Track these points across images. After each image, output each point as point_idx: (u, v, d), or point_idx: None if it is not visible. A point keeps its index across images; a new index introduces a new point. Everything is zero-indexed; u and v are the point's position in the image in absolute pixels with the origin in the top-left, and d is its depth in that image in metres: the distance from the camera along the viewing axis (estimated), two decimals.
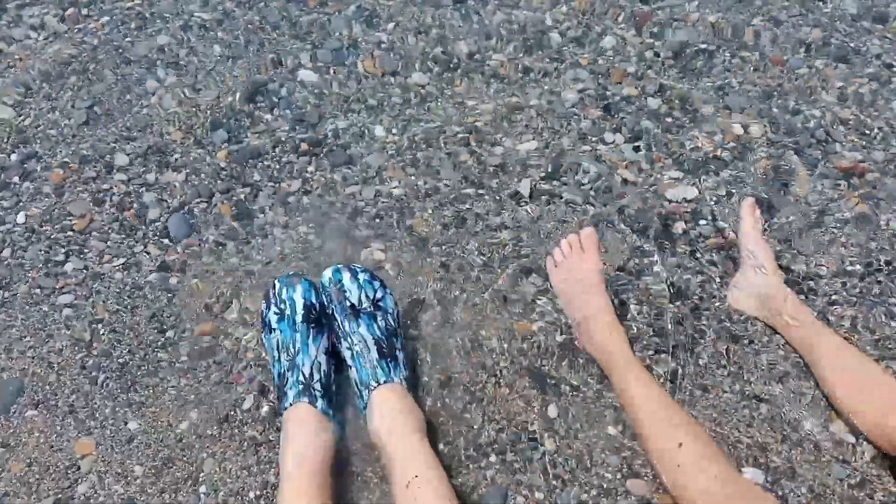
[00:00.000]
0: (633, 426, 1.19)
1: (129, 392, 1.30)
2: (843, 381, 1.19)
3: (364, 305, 1.25)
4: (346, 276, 1.26)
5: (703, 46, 1.75)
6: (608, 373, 1.25)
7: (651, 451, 1.14)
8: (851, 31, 1.78)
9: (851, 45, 1.74)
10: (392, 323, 1.26)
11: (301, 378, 1.19)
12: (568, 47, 1.76)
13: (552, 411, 1.25)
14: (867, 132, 1.59)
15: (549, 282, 1.38)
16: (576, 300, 1.33)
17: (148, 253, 1.47)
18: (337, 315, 1.24)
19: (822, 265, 1.39)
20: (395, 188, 1.53)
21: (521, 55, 1.75)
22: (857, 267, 1.39)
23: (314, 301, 1.26)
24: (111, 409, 1.29)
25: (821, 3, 1.83)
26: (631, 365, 1.22)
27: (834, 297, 1.35)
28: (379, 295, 1.27)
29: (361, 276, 1.27)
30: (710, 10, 1.82)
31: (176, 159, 1.60)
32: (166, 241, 1.48)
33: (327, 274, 1.27)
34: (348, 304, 1.24)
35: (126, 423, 1.27)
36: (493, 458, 1.21)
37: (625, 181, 1.53)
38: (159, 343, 1.36)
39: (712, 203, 1.49)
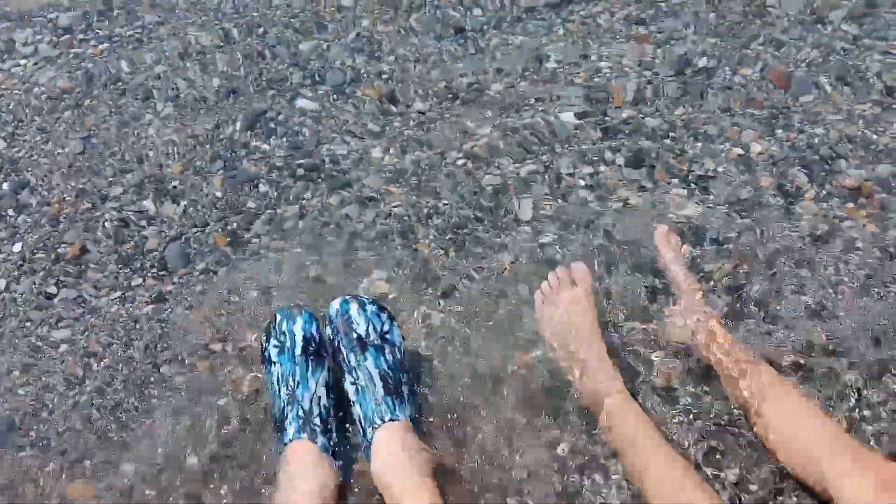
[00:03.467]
0: (630, 477, 1.12)
1: (122, 432, 1.26)
2: (777, 421, 1.10)
3: (371, 338, 1.22)
4: (354, 308, 1.24)
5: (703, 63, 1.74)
6: (600, 422, 1.16)
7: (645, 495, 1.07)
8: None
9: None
10: (399, 357, 1.23)
11: (300, 412, 1.15)
12: (564, 69, 1.75)
13: (562, 448, 1.20)
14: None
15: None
16: (566, 344, 1.22)
17: (144, 284, 1.44)
18: (343, 348, 1.21)
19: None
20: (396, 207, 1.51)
21: (518, 80, 1.74)
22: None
23: (314, 333, 1.23)
24: (105, 450, 1.25)
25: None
26: (625, 414, 1.12)
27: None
28: (386, 328, 1.24)
29: (369, 308, 1.25)
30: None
31: (174, 187, 1.58)
32: (163, 272, 1.45)
33: (335, 305, 1.24)
34: (355, 335, 1.21)
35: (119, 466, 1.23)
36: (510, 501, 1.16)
37: (626, 202, 1.51)
38: (153, 379, 1.32)
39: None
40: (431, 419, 1.24)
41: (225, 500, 1.18)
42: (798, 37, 1.78)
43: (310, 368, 1.20)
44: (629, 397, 1.15)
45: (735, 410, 1.19)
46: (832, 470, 1.00)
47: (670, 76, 1.72)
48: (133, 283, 1.44)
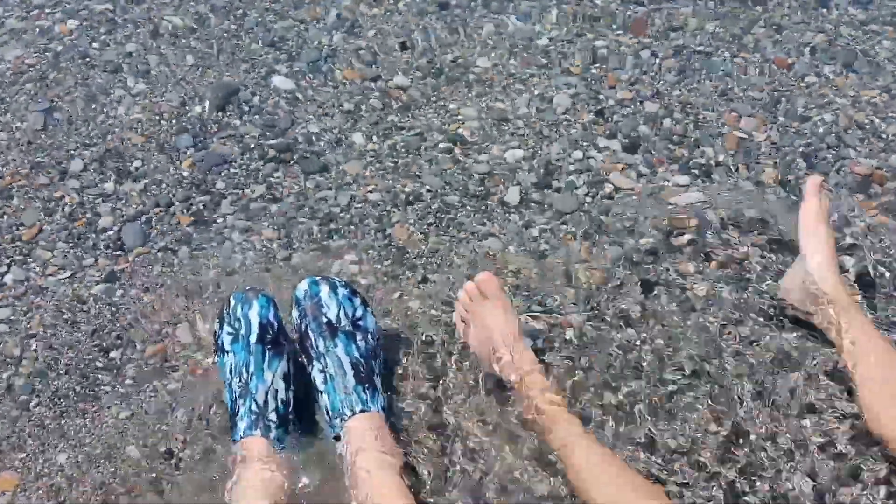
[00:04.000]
0: (575, 489, 1.02)
1: (62, 419, 1.16)
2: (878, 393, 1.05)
3: (342, 324, 1.12)
4: (325, 290, 1.13)
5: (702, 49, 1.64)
6: (540, 435, 1.07)
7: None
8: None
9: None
10: (373, 345, 1.13)
11: (254, 407, 1.05)
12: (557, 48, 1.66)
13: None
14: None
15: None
16: (489, 358, 1.12)
17: (96, 263, 1.34)
18: (311, 332, 1.11)
19: None
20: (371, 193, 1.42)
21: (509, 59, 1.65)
22: None
23: (272, 319, 1.12)
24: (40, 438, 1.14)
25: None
26: (564, 425, 1.03)
27: None
28: (359, 313, 1.14)
29: (341, 291, 1.14)
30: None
31: (137, 168, 1.48)
32: (118, 252, 1.35)
33: (303, 286, 1.14)
34: (324, 320, 1.11)
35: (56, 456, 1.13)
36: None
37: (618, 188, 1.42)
38: (101, 364, 1.22)
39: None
40: (405, 414, 1.14)
41: (172, 498, 1.08)
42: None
43: (266, 358, 1.09)
44: (568, 415, 1.05)
45: None
46: None
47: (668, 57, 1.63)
48: (84, 263, 1.35)
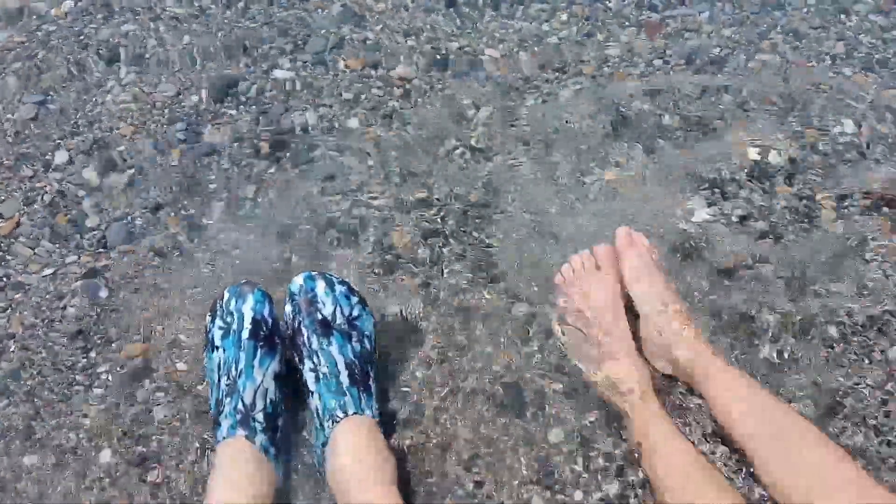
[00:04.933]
0: (651, 482, 0.97)
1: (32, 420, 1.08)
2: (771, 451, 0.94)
3: (338, 322, 1.05)
4: (321, 286, 1.06)
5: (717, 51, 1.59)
6: (625, 418, 1.02)
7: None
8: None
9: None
10: (368, 348, 1.06)
11: (240, 406, 0.97)
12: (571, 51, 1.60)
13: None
14: None
15: (555, 307, 1.14)
16: (590, 333, 1.08)
17: (78, 259, 1.26)
18: (304, 329, 1.04)
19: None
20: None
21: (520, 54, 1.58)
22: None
23: (266, 315, 1.05)
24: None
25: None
26: (650, 410, 0.99)
27: None
28: (356, 313, 1.07)
29: (338, 288, 1.07)
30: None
31: (125, 159, 1.41)
32: (101, 248, 1.28)
33: (298, 280, 1.07)
34: (319, 317, 1.04)
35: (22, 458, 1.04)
36: None
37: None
38: (78, 365, 1.14)
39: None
40: (400, 422, 1.07)
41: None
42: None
43: (257, 356, 1.02)
44: (653, 394, 1.01)
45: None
46: None
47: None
48: (67, 260, 1.27)
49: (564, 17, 1.65)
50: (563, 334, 1.12)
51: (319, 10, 1.65)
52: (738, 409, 0.98)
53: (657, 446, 0.96)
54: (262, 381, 1.00)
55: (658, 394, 1.02)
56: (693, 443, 0.99)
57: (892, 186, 1.34)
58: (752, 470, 0.97)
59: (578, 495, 1.00)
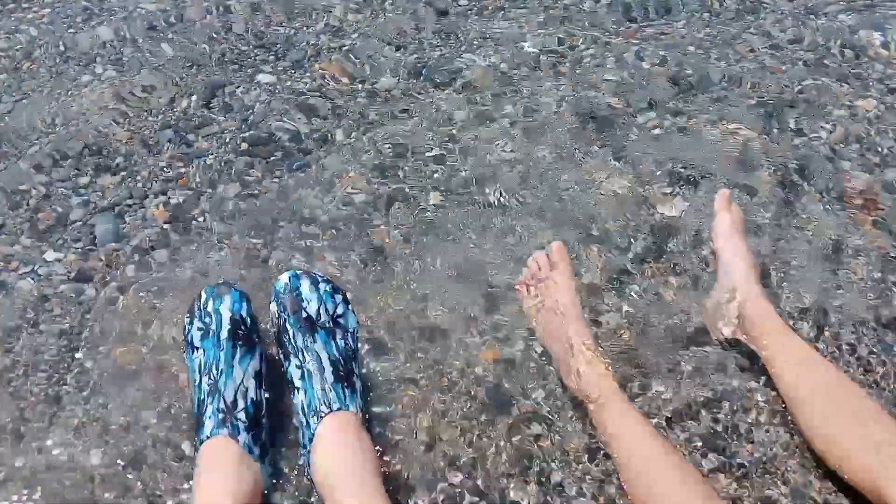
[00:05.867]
0: (618, 469, 1.01)
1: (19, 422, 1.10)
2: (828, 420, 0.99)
3: (322, 319, 1.07)
4: (306, 284, 1.09)
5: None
6: (589, 410, 1.06)
7: (635, 496, 0.96)
8: None
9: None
10: (352, 345, 1.08)
11: (222, 405, 0.99)
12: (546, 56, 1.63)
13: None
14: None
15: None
16: (552, 331, 1.12)
17: (62, 260, 1.28)
18: (289, 327, 1.06)
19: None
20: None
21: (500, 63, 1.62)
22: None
23: (244, 315, 1.07)
24: None
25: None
26: (613, 402, 1.02)
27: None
28: (340, 311, 1.10)
29: (322, 287, 1.10)
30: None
31: (118, 163, 1.42)
32: (88, 246, 1.29)
33: (283, 279, 1.10)
34: (304, 315, 1.06)
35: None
36: None
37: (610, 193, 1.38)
38: (66, 366, 1.15)
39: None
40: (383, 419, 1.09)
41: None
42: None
43: (237, 355, 1.04)
44: (618, 388, 1.04)
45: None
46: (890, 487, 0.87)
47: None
48: (48, 258, 1.28)
49: None
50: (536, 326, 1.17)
51: None
52: (793, 372, 1.02)
53: (620, 433, 0.99)
54: (242, 381, 1.02)
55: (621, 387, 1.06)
56: (655, 428, 1.02)
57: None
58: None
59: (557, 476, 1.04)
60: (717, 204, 1.18)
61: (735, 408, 1.10)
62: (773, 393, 1.09)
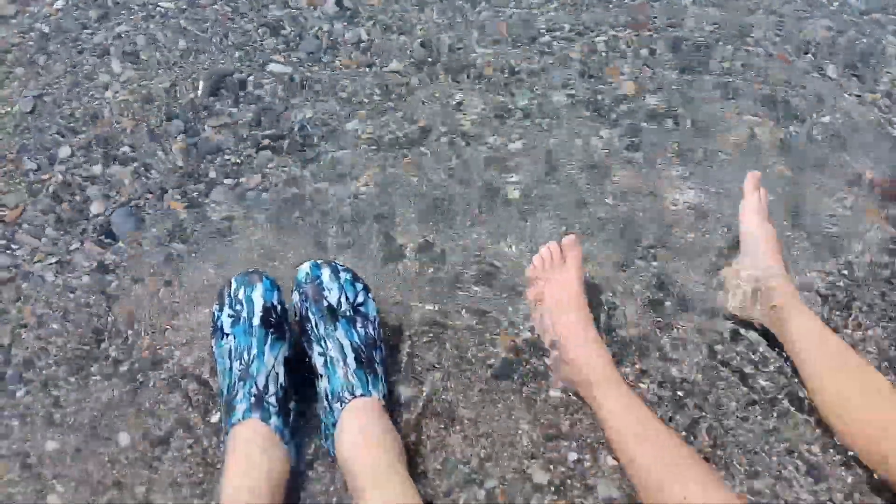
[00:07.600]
0: (615, 451, 1.03)
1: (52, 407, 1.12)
2: (839, 394, 1.03)
3: (343, 308, 1.09)
4: (326, 273, 1.11)
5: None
6: (585, 395, 1.09)
7: (634, 476, 0.99)
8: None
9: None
10: (372, 333, 1.11)
11: (254, 390, 1.02)
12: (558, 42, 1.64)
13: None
14: None
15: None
16: (551, 317, 1.14)
17: (85, 251, 1.29)
18: (311, 315, 1.08)
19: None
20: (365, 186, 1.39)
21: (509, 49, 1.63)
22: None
23: (275, 302, 1.10)
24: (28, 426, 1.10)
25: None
26: (611, 383, 1.05)
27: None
28: (361, 299, 1.12)
29: (343, 276, 1.12)
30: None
31: (125, 152, 1.43)
32: (108, 238, 1.31)
33: (304, 268, 1.12)
34: (325, 304, 1.09)
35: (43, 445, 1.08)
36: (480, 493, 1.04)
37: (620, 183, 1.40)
38: (92, 355, 1.17)
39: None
40: (405, 405, 1.12)
41: (163, 486, 1.04)
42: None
43: (268, 342, 1.06)
44: (619, 375, 1.07)
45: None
46: None
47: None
48: (72, 248, 1.30)
49: None
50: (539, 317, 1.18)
51: None
52: (809, 349, 1.06)
53: (616, 412, 1.02)
54: (273, 366, 1.05)
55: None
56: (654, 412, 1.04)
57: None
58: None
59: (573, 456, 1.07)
60: (747, 185, 1.23)
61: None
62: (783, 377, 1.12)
